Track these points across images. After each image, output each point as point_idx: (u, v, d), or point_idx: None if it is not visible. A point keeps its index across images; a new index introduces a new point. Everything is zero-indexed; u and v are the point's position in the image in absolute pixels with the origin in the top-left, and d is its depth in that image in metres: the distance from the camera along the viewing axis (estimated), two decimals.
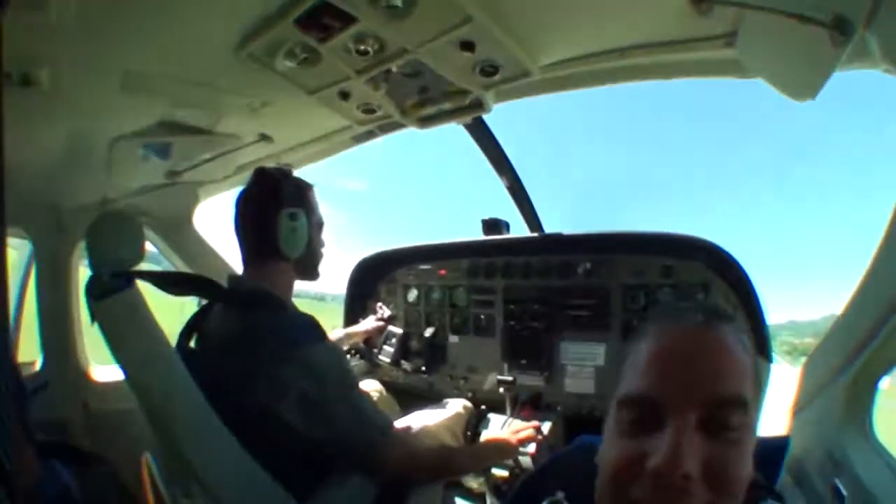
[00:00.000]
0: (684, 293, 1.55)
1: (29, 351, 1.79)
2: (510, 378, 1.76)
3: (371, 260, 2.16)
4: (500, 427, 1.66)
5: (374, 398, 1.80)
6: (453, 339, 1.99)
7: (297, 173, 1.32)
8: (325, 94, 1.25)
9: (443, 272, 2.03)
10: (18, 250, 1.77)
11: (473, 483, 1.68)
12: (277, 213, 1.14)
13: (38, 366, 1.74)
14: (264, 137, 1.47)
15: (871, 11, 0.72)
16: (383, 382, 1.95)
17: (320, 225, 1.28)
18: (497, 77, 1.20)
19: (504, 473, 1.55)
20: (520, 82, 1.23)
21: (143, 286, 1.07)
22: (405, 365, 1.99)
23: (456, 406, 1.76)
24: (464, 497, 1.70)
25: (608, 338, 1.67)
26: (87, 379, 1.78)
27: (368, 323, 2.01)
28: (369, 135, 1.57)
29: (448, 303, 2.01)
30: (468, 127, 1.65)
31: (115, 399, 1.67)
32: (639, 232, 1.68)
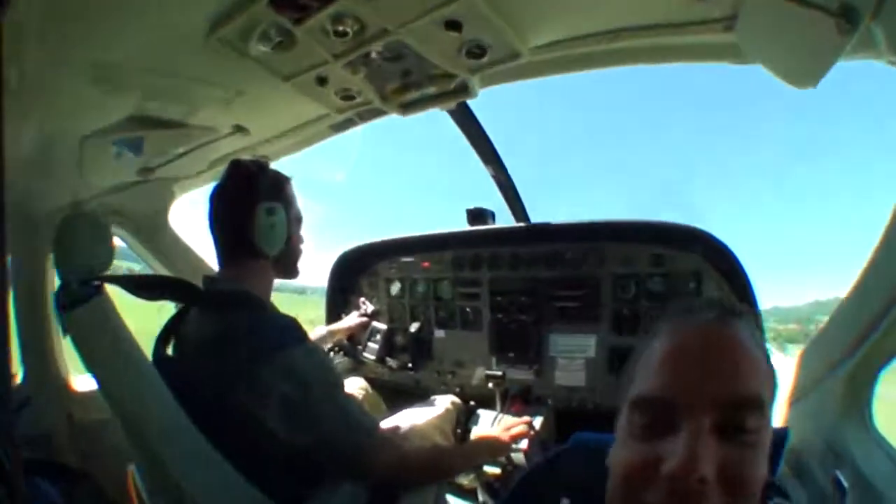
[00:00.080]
0: (680, 284, 1.54)
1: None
2: (499, 372, 1.74)
3: (352, 254, 2.09)
4: (490, 423, 1.65)
5: (360, 396, 1.78)
6: (439, 333, 1.96)
7: (273, 166, 1.26)
8: (301, 80, 1.17)
9: (426, 265, 1.98)
10: None
11: (464, 479, 1.67)
12: (254, 208, 1.09)
13: (18, 378, 1.65)
14: (239, 129, 1.41)
15: (879, 2, 0.71)
16: (368, 380, 1.91)
17: (299, 219, 1.23)
18: (485, 59, 1.14)
19: (496, 471, 1.54)
20: (508, 65, 1.17)
21: (114, 290, 1.04)
22: (390, 362, 1.95)
23: (444, 403, 1.73)
24: (455, 494, 1.69)
25: (598, 329, 1.66)
26: (68, 389, 1.70)
27: (351, 319, 1.95)
28: (348, 123, 1.50)
29: (433, 296, 1.97)
30: (452, 113, 1.58)
31: (99, 409, 1.60)
32: (628, 220, 1.66)
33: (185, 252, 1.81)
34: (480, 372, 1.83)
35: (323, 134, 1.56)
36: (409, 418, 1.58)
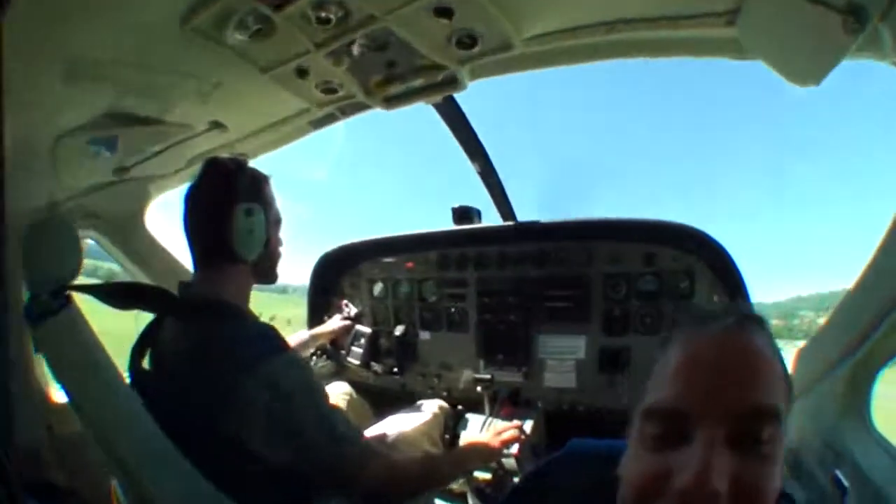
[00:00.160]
0: (672, 283, 1.53)
1: None
2: (488, 376, 1.70)
3: (334, 254, 2.02)
4: (479, 428, 1.61)
5: (344, 402, 1.73)
6: (424, 335, 1.90)
7: (252, 164, 1.20)
8: (280, 71, 1.12)
9: (410, 265, 1.92)
10: None
11: (454, 484, 1.62)
12: (231, 209, 1.03)
13: None
14: (216, 125, 1.36)
15: (890, 2, 0.70)
16: (353, 384, 1.85)
17: (278, 221, 1.17)
18: (475, 50, 1.10)
19: (487, 476, 1.51)
20: (500, 56, 1.13)
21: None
22: (375, 367, 1.89)
23: (431, 407, 1.69)
24: (445, 499, 1.64)
25: (588, 330, 1.64)
26: (48, 401, 1.61)
27: (334, 322, 1.88)
28: (329, 118, 1.43)
29: (417, 297, 1.91)
30: (438, 107, 1.51)
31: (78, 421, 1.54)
32: (618, 218, 1.63)
33: (163, 255, 1.74)
34: (468, 375, 1.79)
35: (303, 130, 1.51)
36: (395, 425, 1.53)
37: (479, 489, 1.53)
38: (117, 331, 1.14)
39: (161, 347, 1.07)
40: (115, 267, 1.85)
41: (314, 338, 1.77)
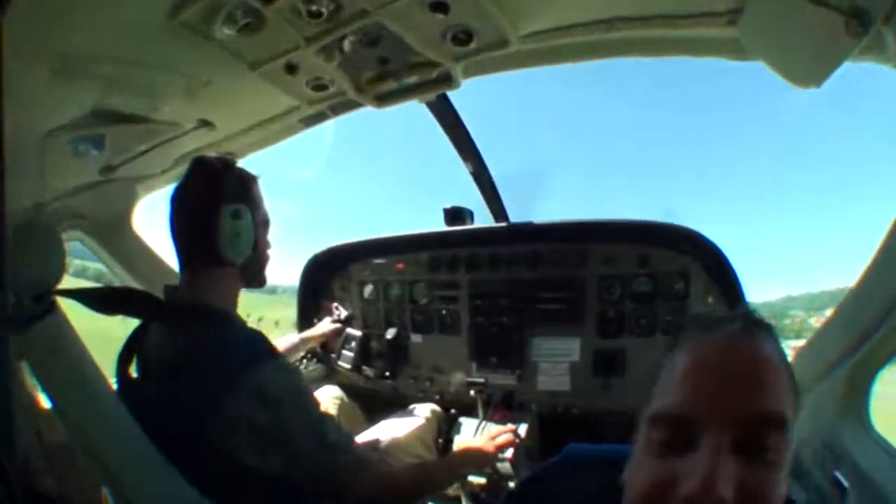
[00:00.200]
0: (667, 284, 1.53)
1: None
2: (481, 379, 1.68)
3: (323, 256, 1.97)
4: (473, 432, 1.59)
5: (335, 406, 1.70)
6: (416, 338, 1.88)
7: (240, 164, 1.18)
8: (269, 68, 1.09)
9: (401, 266, 1.89)
10: None
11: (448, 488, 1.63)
12: (218, 210, 1.00)
13: None
14: (205, 123, 1.33)
15: (893, 6, 0.70)
16: (344, 387, 1.81)
17: (266, 223, 1.14)
18: (471, 46, 1.07)
19: (481, 480, 1.49)
20: (495, 53, 1.11)
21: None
22: (367, 371, 1.85)
23: (424, 412, 1.66)
24: (437, 502, 1.65)
25: (583, 331, 1.63)
26: (36, 406, 1.55)
27: (324, 325, 1.84)
28: (319, 117, 1.41)
29: (408, 299, 1.88)
30: (431, 105, 1.49)
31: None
32: (612, 219, 1.62)
33: (150, 257, 1.69)
34: (460, 378, 1.77)
35: (293, 129, 1.48)
36: (388, 430, 1.51)
37: (473, 494, 1.51)
38: (104, 331, 1.12)
39: (147, 353, 1.04)
40: (103, 267, 1.80)
41: (304, 341, 1.73)
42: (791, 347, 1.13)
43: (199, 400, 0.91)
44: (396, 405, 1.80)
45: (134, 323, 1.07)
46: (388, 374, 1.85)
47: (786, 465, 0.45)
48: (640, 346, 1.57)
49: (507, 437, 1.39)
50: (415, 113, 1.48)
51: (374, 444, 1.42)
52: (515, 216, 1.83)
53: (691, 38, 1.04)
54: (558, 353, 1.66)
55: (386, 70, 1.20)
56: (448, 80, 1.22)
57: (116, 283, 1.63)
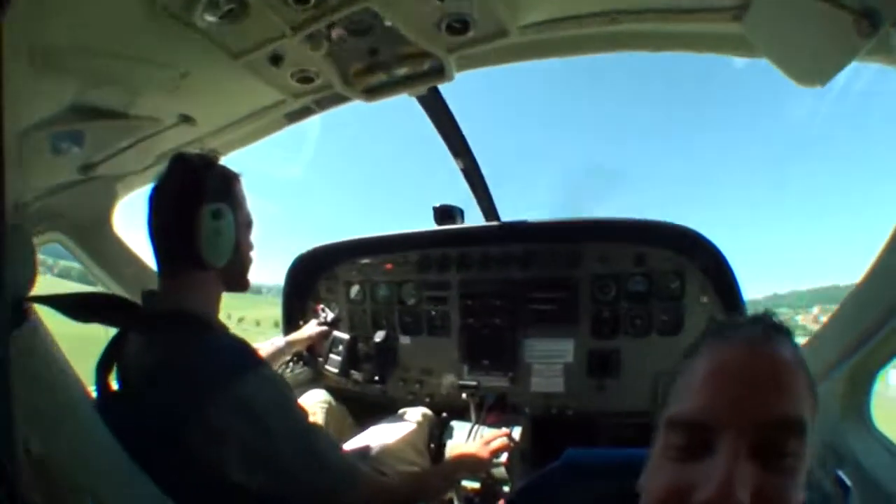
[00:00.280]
0: (662, 284, 1.52)
1: None
2: (473, 382, 1.65)
3: (309, 256, 1.92)
4: (465, 436, 1.56)
5: (323, 410, 1.66)
6: (404, 339, 1.84)
7: (223, 161, 1.12)
8: (253, 58, 1.05)
9: (389, 266, 1.85)
10: None
11: None
12: (198, 209, 0.95)
13: None
14: (186, 119, 1.29)
15: None
16: (331, 391, 1.76)
17: (249, 224, 1.08)
18: (467, 36, 1.04)
19: (475, 485, 1.47)
20: (492, 45, 1.08)
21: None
22: (355, 375, 1.80)
23: (415, 416, 1.62)
24: None
25: (577, 332, 1.61)
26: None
27: (311, 328, 1.77)
28: (304, 112, 1.37)
29: (397, 300, 1.84)
30: (421, 99, 1.44)
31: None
32: (606, 218, 1.61)
33: (131, 259, 1.64)
34: (450, 380, 1.74)
35: (277, 124, 1.44)
36: (378, 436, 1.47)
37: (467, 499, 1.49)
38: (92, 334, 1.05)
39: (127, 362, 0.98)
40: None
41: (290, 345, 1.68)
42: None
43: (179, 414, 0.86)
44: (386, 409, 1.76)
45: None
46: (376, 378, 1.81)
47: (804, 471, 0.44)
48: (635, 346, 1.56)
49: (502, 441, 1.36)
50: (405, 108, 1.46)
51: (364, 452, 1.38)
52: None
53: (695, 32, 1.03)
54: (552, 354, 1.64)
55: (375, 61, 1.16)
56: (440, 73, 1.19)
57: (98, 286, 1.58)
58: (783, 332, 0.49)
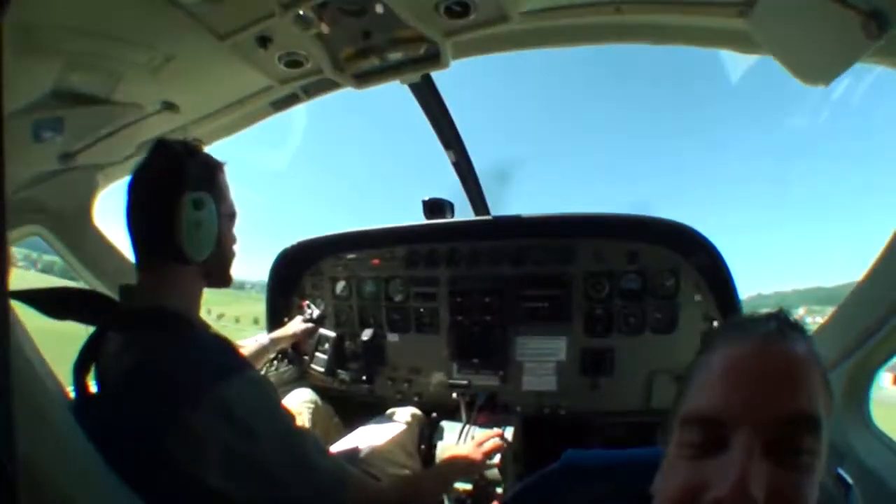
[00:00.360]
0: (656, 281, 1.54)
1: None
2: (464, 381, 1.65)
3: (294, 251, 1.88)
4: (456, 437, 1.56)
5: (308, 410, 1.64)
6: (392, 337, 1.83)
7: (206, 151, 1.09)
8: (240, 39, 1.02)
9: (376, 262, 1.82)
10: None
11: None
12: (179, 198, 0.92)
13: None
14: (168, 106, 1.27)
15: None
16: (317, 389, 1.73)
17: (232, 215, 1.05)
18: (467, 19, 1.03)
19: (467, 487, 1.47)
20: (491, 30, 1.07)
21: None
22: (342, 374, 1.78)
23: (404, 416, 1.61)
24: None
25: (569, 330, 1.62)
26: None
27: (296, 325, 1.73)
28: (291, 99, 1.34)
29: (384, 297, 1.82)
30: (414, 87, 1.41)
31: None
32: (600, 214, 1.61)
33: (112, 253, 1.59)
34: (439, 379, 1.74)
35: (263, 112, 1.41)
36: (367, 438, 1.45)
37: (458, 500, 1.49)
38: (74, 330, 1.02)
39: (105, 364, 0.94)
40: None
41: (274, 342, 1.64)
42: None
43: (158, 417, 0.83)
44: (373, 408, 1.75)
45: None
46: (364, 377, 1.79)
47: (820, 469, 0.45)
48: (628, 344, 1.58)
49: (495, 442, 1.36)
50: (396, 97, 1.45)
51: (352, 454, 1.36)
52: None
53: (699, 27, 1.03)
54: (544, 352, 1.65)
55: (368, 45, 1.13)
56: (436, 59, 1.17)
57: (81, 282, 1.54)
58: (798, 328, 0.50)
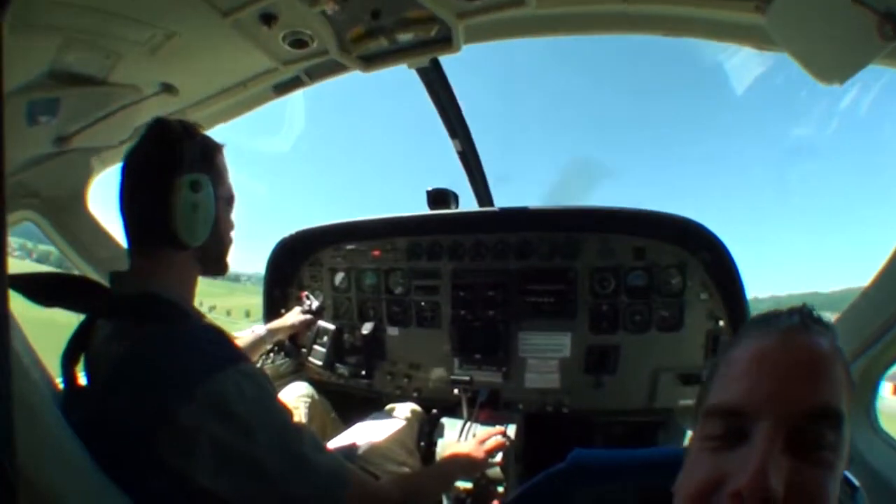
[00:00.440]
0: (662, 278, 1.55)
1: None
2: (466, 377, 1.65)
3: (292, 240, 1.87)
4: (457, 434, 1.56)
5: (305, 404, 1.64)
6: (392, 331, 1.83)
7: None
8: (243, 16, 1.01)
9: (376, 253, 1.82)
10: None
11: None
12: (175, 179, 0.91)
13: None
14: (167, 88, 1.26)
15: None
16: (314, 383, 1.74)
17: (230, 199, 1.03)
18: (482, 0, 1.03)
19: (468, 485, 1.48)
20: (506, 14, 1.08)
21: None
22: (341, 369, 1.78)
23: (404, 412, 1.62)
24: None
25: (574, 326, 1.63)
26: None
27: (294, 316, 1.74)
28: (294, 83, 1.34)
29: (384, 289, 1.82)
30: (422, 72, 1.41)
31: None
32: (608, 207, 1.61)
33: (106, 241, 1.58)
34: (440, 374, 1.75)
35: (265, 96, 1.40)
36: (365, 434, 1.45)
37: (458, 499, 1.49)
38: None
39: (95, 354, 0.93)
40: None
41: (271, 333, 1.62)
42: None
43: (147, 412, 0.81)
44: (371, 403, 1.75)
45: None
46: (363, 371, 1.79)
47: (841, 470, 0.45)
48: (634, 342, 1.59)
49: (497, 440, 1.38)
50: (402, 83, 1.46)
51: (350, 450, 1.36)
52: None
53: (715, 20, 1.05)
54: (547, 348, 1.66)
55: (377, 25, 1.12)
56: (447, 42, 1.17)
57: (75, 271, 1.53)
58: (822, 322, 0.50)
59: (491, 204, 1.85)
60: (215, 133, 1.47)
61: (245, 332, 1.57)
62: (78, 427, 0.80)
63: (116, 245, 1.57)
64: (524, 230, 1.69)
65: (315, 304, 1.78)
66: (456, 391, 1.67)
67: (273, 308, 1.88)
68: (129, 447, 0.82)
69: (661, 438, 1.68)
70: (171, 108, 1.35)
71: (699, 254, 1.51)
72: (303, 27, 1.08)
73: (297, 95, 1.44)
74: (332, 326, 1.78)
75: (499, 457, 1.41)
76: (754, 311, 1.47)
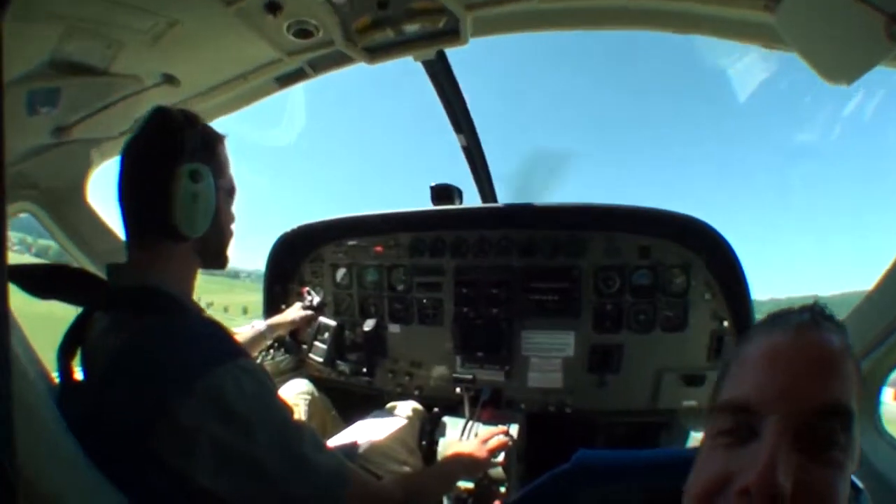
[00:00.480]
0: (667, 277, 1.56)
1: None
2: (469, 376, 1.66)
3: (293, 235, 1.88)
4: (459, 434, 1.56)
5: (305, 402, 1.64)
6: (394, 328, 1.83)
7: None
8: (248, 4, 1.01)
9: (378, 249, 1.83)
10: None
11: None
12: (175, 168, 0.90)
13: None
14: (168, 79, 1.27)
15: None
16: (314, 380, 1.74)
17: (231, 191, 1.03)
18: None
19: (469, 485, 1.48)
20: (514, 7, 1.09)
21: None
22: (342, 366, 1.78)
23: (405, 410, 1.62)
24: None
25: (578, 325, 1.63)
26: None
27: (295, 311, 1.75)
28: (297, 75, 1.34)
29: (386, 286, 1.83)
30: (428, 65, 1.42)
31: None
32: (614, 205, 1.62)
33: (105, 234, 1.59)
34: (441, 373, 1.75)
35: (267, 88, 1.40)
36: (366, 432, 1.45)
37: (460, 499, 1.50)
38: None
39: (91, 347, 0.93)
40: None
41: (272, 329, 1.62)
42: None
43: (144, 408, 0.81)
44: (372, 400, 1.76)
45: None
46: (364, 368, 1.79)
47: (851, 469, 0.45)
48: (638, 342, 1.59)
49: (500, 439, 1.38)
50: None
51: (350, 449, 1.36)
52: None
53: (724, 17, 1.06)
54: (551, 347, 1.67)
55: (384, 15, 1.12)
56: (455, 34, 1.17)
57: (74, 264, 1.54)
58: (833, 320, 0.51)
59: (495, 200, 1.85)
60: (216, 125, 1.50)
61: (245, 328, 1.56)
62: (75, 422, 0.80)
63: (115, 238, 1.56)
64: (529, 227, 1.69)
65: (316, 299, 1.78)
66: (458, 390, 1.68)
67: (273, 304, 1.88)
68: (126, 441, 0.81)
69: (663, 439, 1.68)
70: (172, 99, 1.34)
71: (703, 253, 1.52)
72: (308, 16, 1.07)
73: (298, 89, 1.44)
74: (333, 323, 1.78)
75: (501, 457, 1.41)
76: (755, 312, 1.49)
